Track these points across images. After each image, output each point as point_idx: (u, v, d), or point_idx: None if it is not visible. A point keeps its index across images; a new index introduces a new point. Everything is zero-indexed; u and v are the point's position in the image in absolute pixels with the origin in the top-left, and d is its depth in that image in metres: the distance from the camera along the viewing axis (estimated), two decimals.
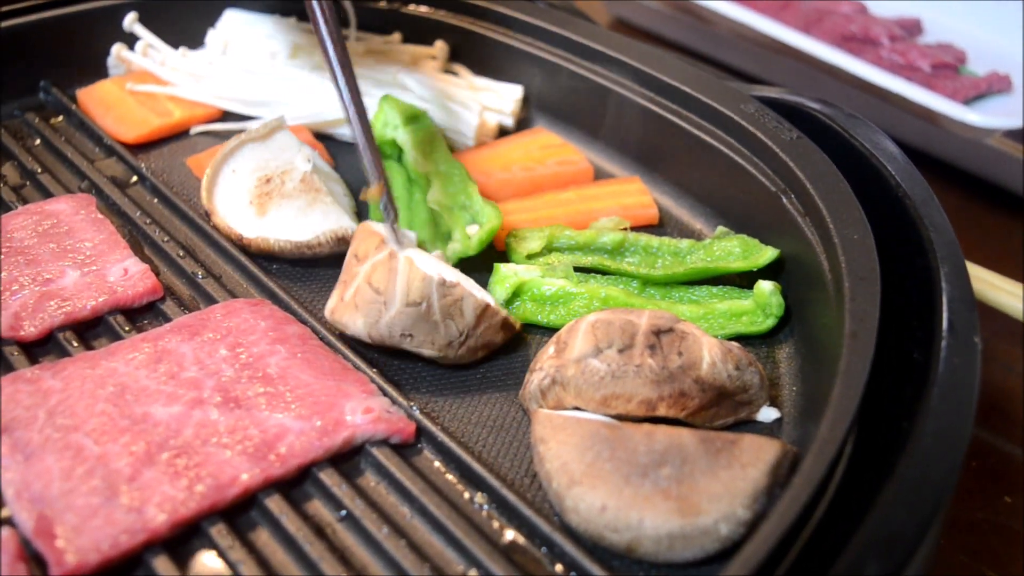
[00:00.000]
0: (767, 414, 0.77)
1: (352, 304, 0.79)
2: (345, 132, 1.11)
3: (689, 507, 0.64)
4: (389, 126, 1.03)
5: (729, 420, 0.76)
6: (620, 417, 0.72)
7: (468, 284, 0.81)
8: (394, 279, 0.78)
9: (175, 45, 1.16)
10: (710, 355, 0.73)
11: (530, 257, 0.93)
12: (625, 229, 0.95)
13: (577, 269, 0.92)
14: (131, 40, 1.16)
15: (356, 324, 0.79)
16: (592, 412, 0.72)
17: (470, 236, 0.90)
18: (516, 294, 0.88)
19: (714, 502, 0.64)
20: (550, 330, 0.86)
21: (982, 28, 1.49)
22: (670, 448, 0.66)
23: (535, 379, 0.75)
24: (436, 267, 0.80)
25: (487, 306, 0.79)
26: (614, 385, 0.72)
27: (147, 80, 1.13)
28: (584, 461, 0.66)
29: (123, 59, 1.16)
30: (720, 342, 0.74)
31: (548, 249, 0.94)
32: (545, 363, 0.75)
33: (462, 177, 0.98)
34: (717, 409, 0.74)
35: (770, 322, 0.85)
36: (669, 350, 0.72)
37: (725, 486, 0.64)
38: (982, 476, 0.90)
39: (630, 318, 0.74)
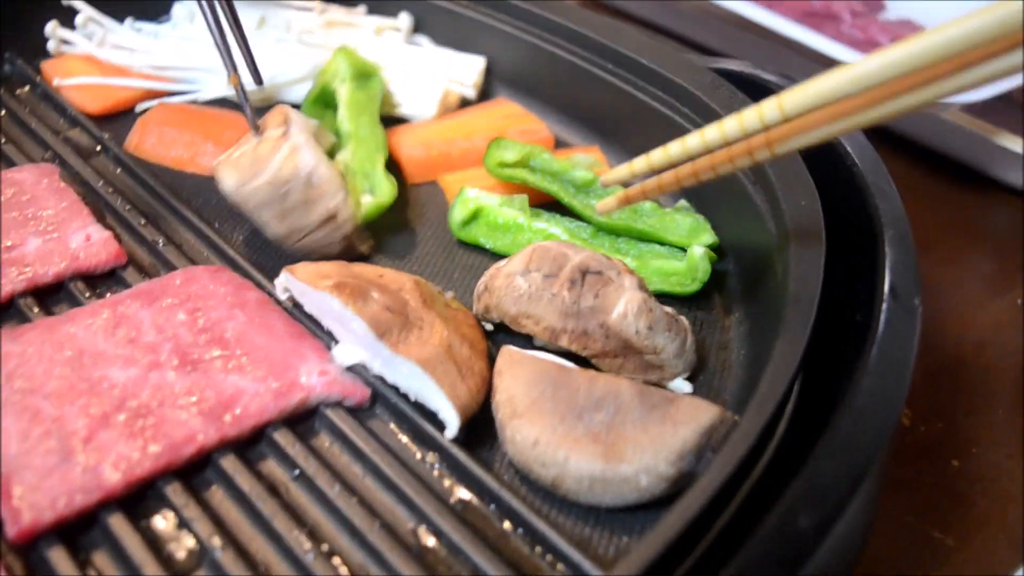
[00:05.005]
0: (679, 385, 0.78)
1: (235, 163, 0.85)
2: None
3: (613, 453, 0.65)
4: (337, 78, 1.04)
5: (638, 377, 0.77)
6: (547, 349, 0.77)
7: (336, 191, 0.86)
8: (273, 157, 0.84)
9: (148, 17, 1.16)
10: (625, 307, 0.75)
11: (503, 166, 0.97)
12: (599, 172, 0.97)
13: (540, 207, 0.96)
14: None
15: (229, 181, 0.85)
16: (508, 324, 0.79)
17: (362, 204, 0.91)
18: (475, 216, 0.93)
19: (638, 452, 0.65)
20: (496, 256, 0.92)
21: (942, 6, 1.49)
22: (607, 395, 0.68)
23: (479, 282, 0.82)
24: (315, 165, 0.85)
25: (334, 216, 0.86)
26: (528, 305, 0.77)
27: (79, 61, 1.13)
28: (529, 396, 0.69)
29: (56, 36, 1.15)
30: (646, 300, 0.76)
31: (523, 164, 0.98)
32: (490, 269, 0.81)
33: (378, 146, 0.98)
34: (623, 361, 0.76)
35: (695, 286, 0.86)
36: (587, 290, 0.76)
37: (652, 440, 0.66)
38: (930, 441, 0.91)
39: (567, 252, 0.78)
